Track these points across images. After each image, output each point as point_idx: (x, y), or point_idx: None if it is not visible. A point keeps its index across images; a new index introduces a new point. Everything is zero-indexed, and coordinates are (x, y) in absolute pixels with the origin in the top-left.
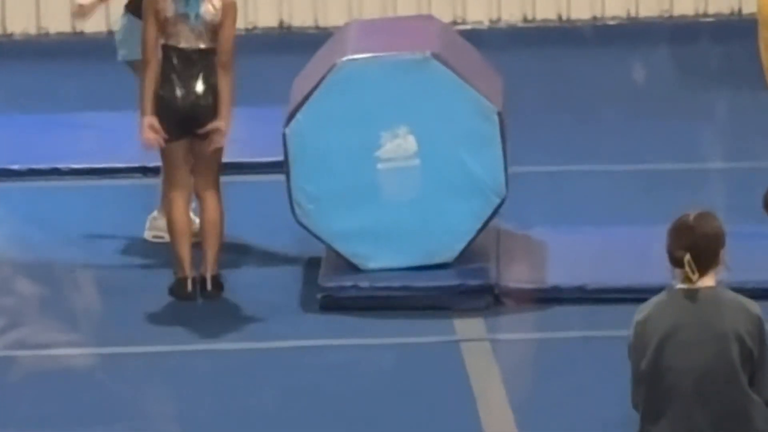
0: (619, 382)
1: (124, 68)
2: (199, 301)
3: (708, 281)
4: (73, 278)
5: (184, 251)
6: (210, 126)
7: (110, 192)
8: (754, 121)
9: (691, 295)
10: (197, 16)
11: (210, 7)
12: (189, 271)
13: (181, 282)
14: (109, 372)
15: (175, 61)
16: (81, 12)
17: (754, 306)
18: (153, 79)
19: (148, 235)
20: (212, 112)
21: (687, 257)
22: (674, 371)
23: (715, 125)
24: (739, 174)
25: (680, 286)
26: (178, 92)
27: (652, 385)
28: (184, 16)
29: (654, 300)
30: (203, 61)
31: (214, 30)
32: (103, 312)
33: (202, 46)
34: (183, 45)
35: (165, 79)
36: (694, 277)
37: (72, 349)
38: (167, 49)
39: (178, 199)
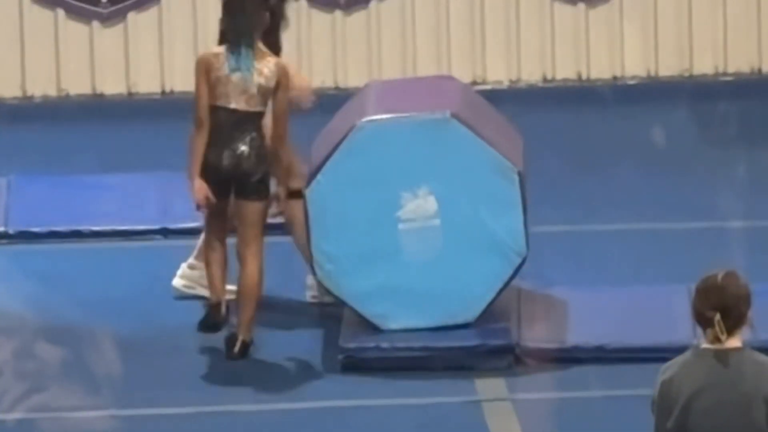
0: None
1: None
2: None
3: (734, 342)
4: (95, 341)
5: (216, 277)
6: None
7: (131, 254)
8: None
9: (720, 355)
10: (248, 71)
11: (264, 70)
12: (221, 294)
13: (211, 308)
14: None
15: (222, 121)
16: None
17: None
18: (204, 141)
19: (178, 282)
20: (255, 173)
21: (717, 317)
22: (701, 431)
23: (736, 184)
24: (760, 233)
25: (707, 346)
26: (222, 154)
27: None
28: (235, 71)
29: (680, 359)
30: (251, 124)
31: (264, 94)
32: (125, 374)
33: (252, 108)
34: (233, 106)
35: (211, 140)
36: (723, 337)
37: (94, 412)
38: (216, 110)
39: (216, 243)
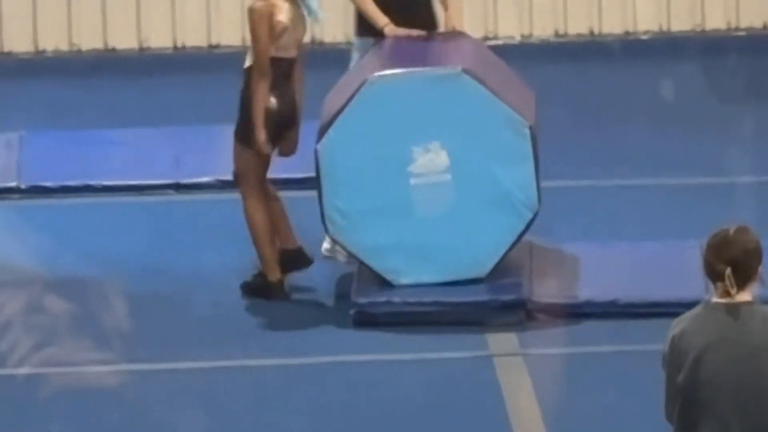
0: (652, 397)
1: None
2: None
3: (745, 296)
4: (105, 295)
5: (273, 252)
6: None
7: (143, 208)
8: None
9: (730, 309)
10: (313, 12)
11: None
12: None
13: (276, 284)
14: (140, 389)
15: (282, 71)
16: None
17: None
18: (267, 91)
19: (324, 246)
20: (299, 117)
21: (728, 271)
22: (711, 385)
23: (747, 139)
24: None
25: (717, 300)
26: (285, 101)
27: (689, 399)
28: (314, 16)
29: (690, 314)
30: (294, 70)
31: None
32: (134, 329)
33: (298, 54)
34: (289, 55)
35: (274, 91)
36: (733, 291)
37: (103, 367)
38: (277, 61)
39: (260, 204)
